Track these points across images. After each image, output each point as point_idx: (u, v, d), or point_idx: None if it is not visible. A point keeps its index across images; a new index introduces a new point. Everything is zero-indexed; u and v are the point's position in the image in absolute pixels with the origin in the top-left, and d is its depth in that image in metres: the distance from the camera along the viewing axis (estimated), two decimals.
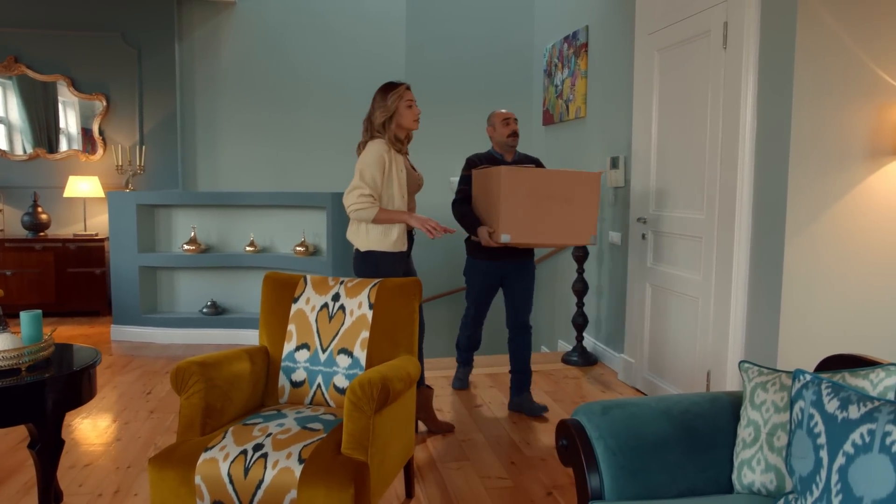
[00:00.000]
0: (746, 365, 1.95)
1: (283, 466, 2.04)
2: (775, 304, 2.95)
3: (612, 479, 1.80)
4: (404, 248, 3.13)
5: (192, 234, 5.35)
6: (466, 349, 4.09)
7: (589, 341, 4.99)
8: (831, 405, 1.59)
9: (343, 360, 2.56)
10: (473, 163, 3.63)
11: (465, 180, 3.62)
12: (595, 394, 4.09)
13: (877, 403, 1.54)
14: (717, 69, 3.29)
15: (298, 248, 5.19)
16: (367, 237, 3.08)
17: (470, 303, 3.88)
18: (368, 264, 3.09)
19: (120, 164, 6.22)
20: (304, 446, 2.11)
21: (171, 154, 6.47)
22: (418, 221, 3.04)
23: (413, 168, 3.25)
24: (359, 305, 2.64)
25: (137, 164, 6.32)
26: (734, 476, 1.83)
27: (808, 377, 1.67)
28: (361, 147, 3.13)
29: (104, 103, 6.35)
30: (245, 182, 6.47)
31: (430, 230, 3.02)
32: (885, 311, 2.96)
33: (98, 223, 6.40)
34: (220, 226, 5.50)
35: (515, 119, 3.67)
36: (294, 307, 2.69)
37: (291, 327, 2.66)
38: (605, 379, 4.40)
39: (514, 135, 3.62)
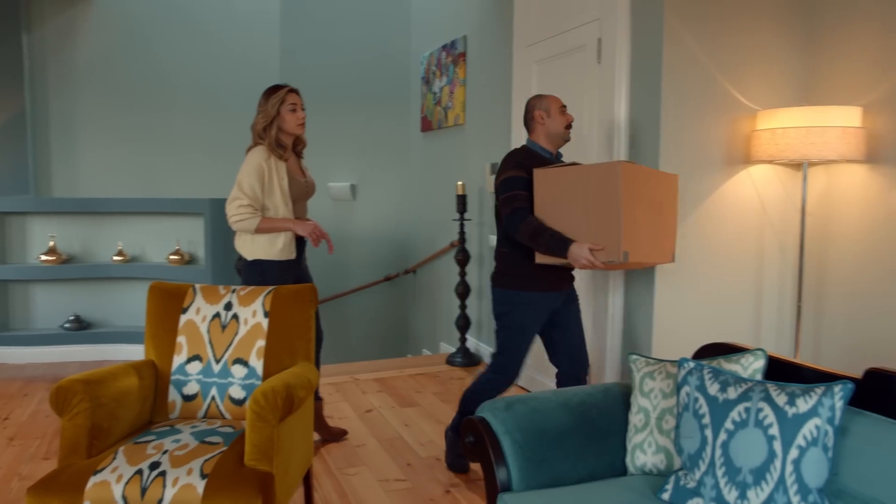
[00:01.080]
0: (634, 356, 2.11)
1: (184, 483, 1.96)
2: (649, 300, 3.19)
3: (519, 471, 1.90)
4: (292, 256, 3.05)
5: (51, 243, 4.95)
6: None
7: (472, 342, 5.13)
8: (713, 388, 1.76)
9: (239, 371, 2.49)
10: (521, 162, 2.77)
11: (522, 183, 2.71)
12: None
13: (750, 384, 1.73)
14: (592, 82, 3.52)
15: (173, 257, 4.95)
16: (252, 246, 3.00)
17: (509, 358, 2.82)
18: (255, 273, 3.02)
19: None
20: (206, 461, 2.04)
21: (19, 157, 5.94)
22: (304, 229, 2.98)
23: (303, 174, 3.17)
24: (253, 314, 2.58)
25: None
26: (628, 459, 1.98)
27: (692, 364, 1.84)
28: (246, 154, 3.06)
29: None
30: (110, 188, 6.06)
31: (315, 239, 2.97)
32: (742, 303, 3.29)
33: None
34: (84, 234, 5.13)
35: None
36: (183, 318, 2.58)
37: (181, 339, 2.55)
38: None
39: (570, 126, 2.88)
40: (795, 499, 1.57)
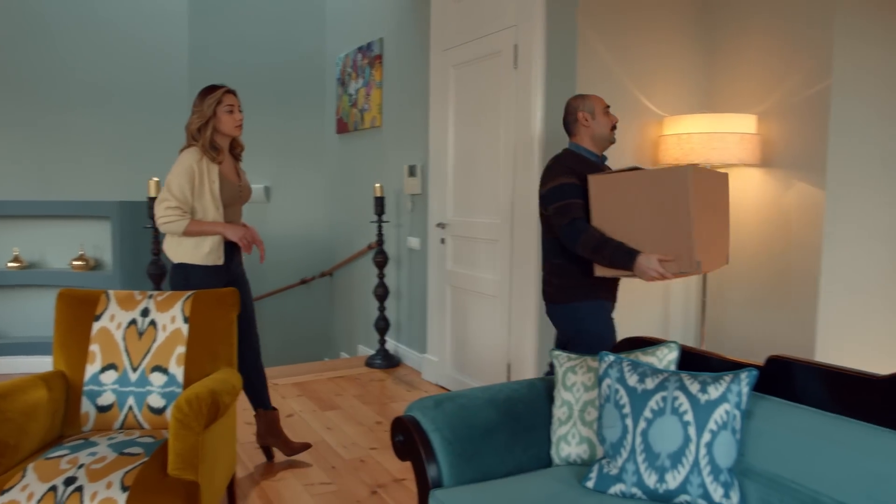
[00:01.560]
0: (556, 352, 2.19)
1: (103, 497, 1.89)
2: None
3: (449, 467, 1.93)
4: (220, 262, 2.93)
5: None
6: None
7: (391, 344, 5.14)
8: (632, 379, 1.86)
9: (158, 379, 2.42)
10: (572, 168, 2.59)
11: (575, 190, 2.52)
12: (401, 393, 4.24)
13: (666, 375, 1.84)
14: (509, 86, 3.61)
15: (76, 263, 4.71)
16: (178, 249, 2.90)
17: None
18: (179, 277, 2.91)
19: None
20: (126, 472, 1.97)
21: None
22: (234, 234, 2.88)
23: (238, 178, 3.07)
24: (172, 320, 2.50)
25: None
26: (553, 451, 2.06)
27: (612, 358, 1.94)
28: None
29: None
30: (3, 190, 5.69)
31: (245, 244, 2.88)
32: (651, 300, 3.47)
33: None
34: None
35: None
36: (96, 326, 2.48)
37: (94, 348, 2.45)
38: (410, 379, 4.58)
39: (615, 128, 2.73)
40: (709, 479, 1.69)
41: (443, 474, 1.93)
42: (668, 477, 1.72)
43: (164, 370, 2.42)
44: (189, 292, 2.58)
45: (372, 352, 5.21)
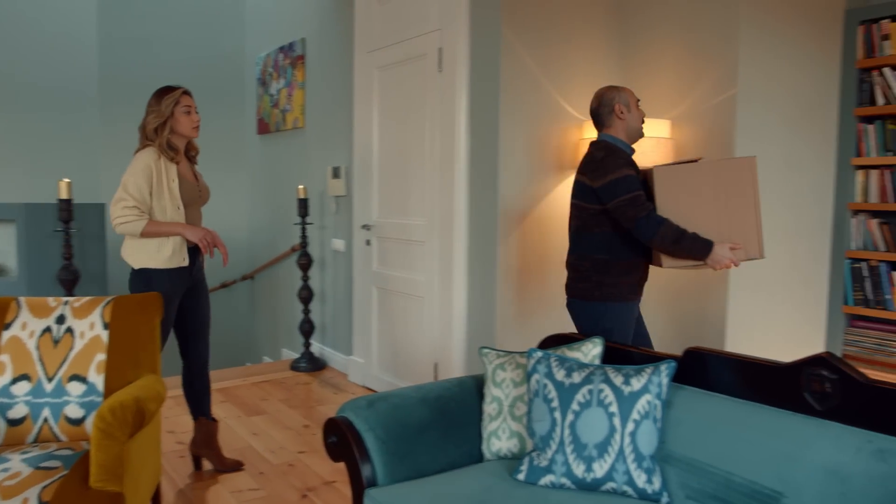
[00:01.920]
0: (486, 350, 2.24)
1: None
2: (491, 297, 3.38)
3: (383, 466, 1.95)
4: (183, 264, 2.84)
5: None
6: None
7: (316, 347, 5.09)
8: (559, 374, 1.93)
9: (76, 388, 2.32)
10: (628, 160, 2.56)
11: (638, 183, 2.49)
12: (328, 396, 4.21)
13: (591, 369, 1.92)
14: (433, 89, 3.66)
15: None
16: (138, 253, 2.79)
17: None
18: (141, 283, 2.80)
19: None
20: (44, 487, 1.89)
21: None
22: (194, 234, 2.79)
23: (196, 179, 2.99)
24: (90, 326, 2.41)
25: None
26: (484, 447, 2.11)
27: (540, 354, 2.01)
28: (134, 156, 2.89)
29: None
30: None
31: (205, 246, 2.80)
32: None
33: None
34: None
35: None
36: (6, 334, 2.36)
37: (4, 358, 2.33)
38: (336, 381, 4.55)
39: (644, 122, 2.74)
40: (633, 466, 1.78)
41: (377, 473, 1.95)
42: (596, 466, 1.80)
43: (82, 379, 2.33)
44: (108, 298, 2.49)
45: (297, 355, 5.14)
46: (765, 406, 1.76)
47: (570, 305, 2.71)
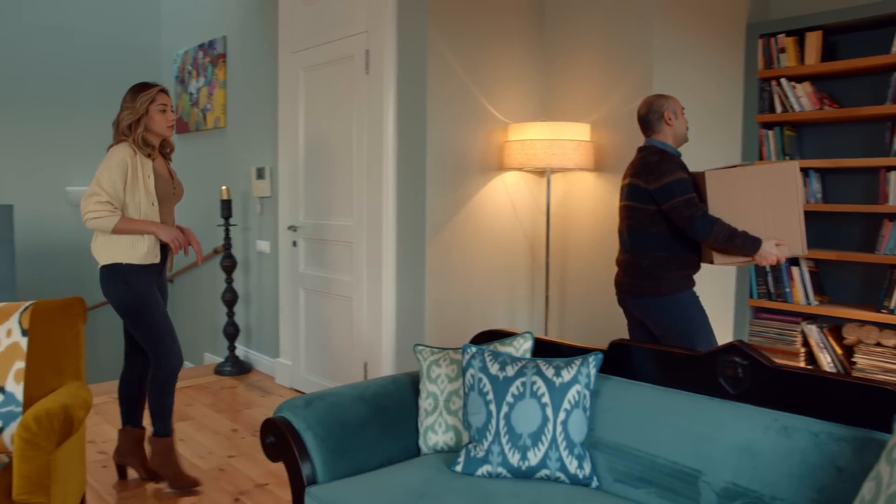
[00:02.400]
0: (420, 347, 2.30)
1: None
2: (420, 296, 3.44)
3: (323, 464, 1.98)
4: (156, 261, 2.80)
5: None
6: None
7: (241, 350, 5.01)
8: (494, 368, 2.01)
9: None
10: (681, 164, 2.72)
11: (691, 186, 2.66)
12: (256, 399, 4.16)
13: (524, 362, 2.01)
14: (361, 91, 3.68)
15: None
16: (110, 249, 2.73)
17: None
18: (116, 281, 2.73)
19: None
20: None
21: None
22: (166, 234, 2.76)
23: (172, 175, 2.94)
24: (7, 333, 2.31)
25: None
26: (421, 441, 2.16)
27: (475, 349, 2.08)
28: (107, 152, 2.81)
29: None
30: None
31: (177, 247, 2.78)
32: (499, 294, 3.69)
33: None
34: None
35: None
36: None
37: None
38: (263, 384, 4.50)
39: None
40: (565, 453, 1.87)
41: (317, 471, 1.97)
42: (530, 454, 1.88)
43: None
44: (27, 303, 2.39)
45: (221, 359, 5.04)
46: (684, 392, 1.90)
47: (638, 304, 2.79)
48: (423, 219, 3.40)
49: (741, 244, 2.58)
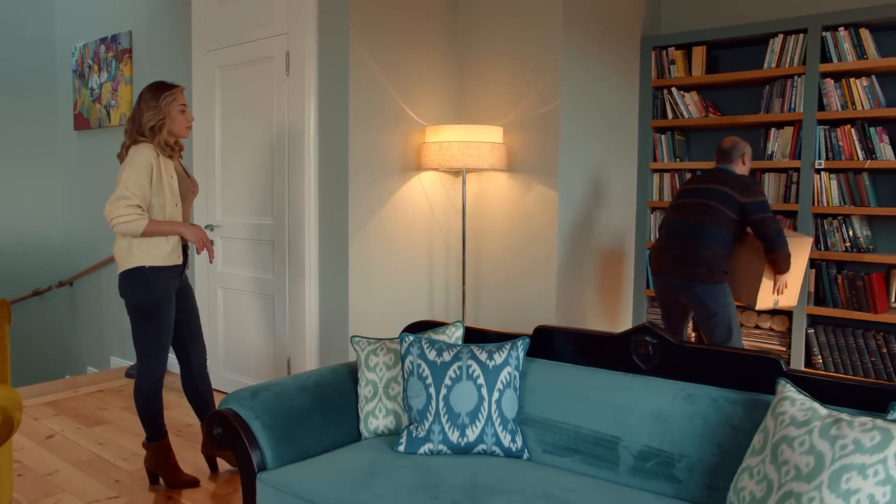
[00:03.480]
0: (357, 338, 2.43)
1: None
2: (343, 292, 3.55)
3: (272, 451, 2.08)
4: (179, 262, 2.78)
5: None
6: None
7: None
8: (431, 354, 2.17)
9: None
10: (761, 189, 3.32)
11: (769, 207, 3.29)
12: (174, 400, 4.12)
13: (459, 348, 2.18)
14: (281, 92, 3.74)
15: None
16: (132, 252, 2.68)
17: (737, 340, 3.39)
18: (138, 284, 2.69)
19: None
20: None
21: None
22: (192, 234, 2.75)
23: (187, 174, 2.89)
24: None
25: None
26: (362, 426, 2.29)
27: (412, 338, 2.23)
28: (125, 152, 2.73)
29: None
30: None
31: (201, 246, 2.78)
32: (418, 290, 3.86)
33: None
34: None
35: None
36: None
37: None
38: (178, 385, 4.45)
39: None
40: (500, 429, 2.06)
41: (266, 458, 2.07)
42: (468, 431, 2.06)
43: None
44: None
45: (130, 362, 4.93)
46: (601, 370, 2.13)
47: (690, 287, 3.29)
48: (345, 217, 3.51)
49: (785, 261, 3.23)
